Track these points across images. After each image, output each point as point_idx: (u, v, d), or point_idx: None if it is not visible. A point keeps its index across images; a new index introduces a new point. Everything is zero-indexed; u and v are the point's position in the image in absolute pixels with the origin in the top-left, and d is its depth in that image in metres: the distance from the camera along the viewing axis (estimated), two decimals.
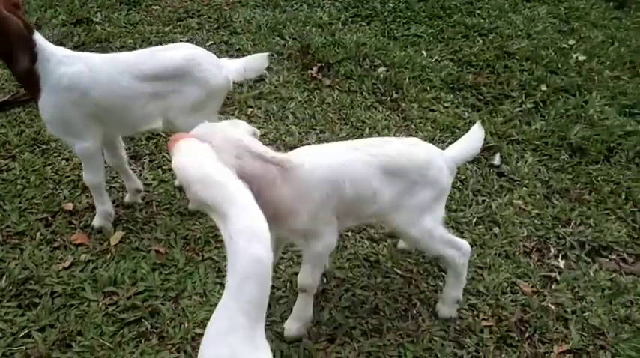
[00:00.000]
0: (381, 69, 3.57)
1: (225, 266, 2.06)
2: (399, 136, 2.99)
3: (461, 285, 1.93)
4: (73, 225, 2.18)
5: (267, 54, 2.25)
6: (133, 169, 2.54)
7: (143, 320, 1.84)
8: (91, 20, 3.83)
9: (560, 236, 2.42)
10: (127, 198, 2.32)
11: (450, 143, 2.93)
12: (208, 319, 0.92)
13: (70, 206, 2.27)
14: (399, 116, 3.19)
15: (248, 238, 0.88)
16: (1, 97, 2.84)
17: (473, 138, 1.93)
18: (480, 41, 4.03)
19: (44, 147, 2.59)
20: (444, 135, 3.04)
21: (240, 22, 4.05)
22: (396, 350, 1.84)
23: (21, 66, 1.80)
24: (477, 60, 3.76)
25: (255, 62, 2.18)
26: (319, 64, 3.54)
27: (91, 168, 2.04)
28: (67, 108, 1.89)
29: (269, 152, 1.51)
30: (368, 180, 1.71)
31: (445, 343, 1.88)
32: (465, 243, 1.89)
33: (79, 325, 1.80)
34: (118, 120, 2.00)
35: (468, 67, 3.70)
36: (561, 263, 2.29)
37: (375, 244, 2.28)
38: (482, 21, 4.29)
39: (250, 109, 3.12)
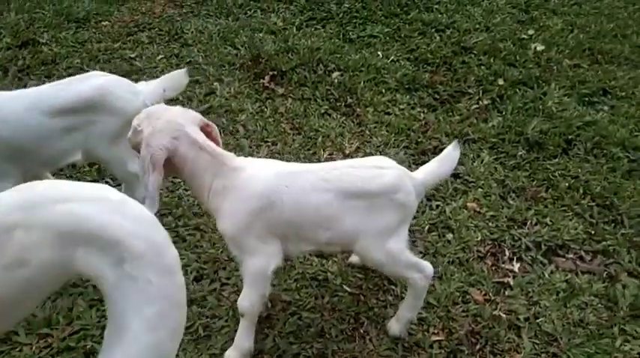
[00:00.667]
0: (336, 73, 3.50)
1: None
2: (353, 143, 2.93)
3: (418, 307, 1.87)
4: None
5: (184, 70, 2.19)
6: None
7: None
8: (37, 41, 3.72)
9: (516, 237, 2.38)
10: None
11: (405, 147, 2.93)
12: None
13: None
14: (353, 122, 3.13)
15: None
16: None
17: (446, 161, 1.84)
18: (437, 37, 3.97)
19: None
20: (399, 139, 2.98)
21: (192, 32, 3.96)
22: None
23: None
24: (434, 57, 3.71)
25: (173, 80, 2.13)
26: (271, 73, 3.46)
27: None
28: None
29: (207, 141, 1.64)
30: (315, 205, 1.65)
31: None
32: (428, 266, 1.81)
33: None
34: (34, 157, 1.91)
35: (425, 66, 3.64)
36: (516, 266, 2.24)
37: (324, 261, 2.21)
38: (439, 16, 4.24)
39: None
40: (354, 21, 4.20)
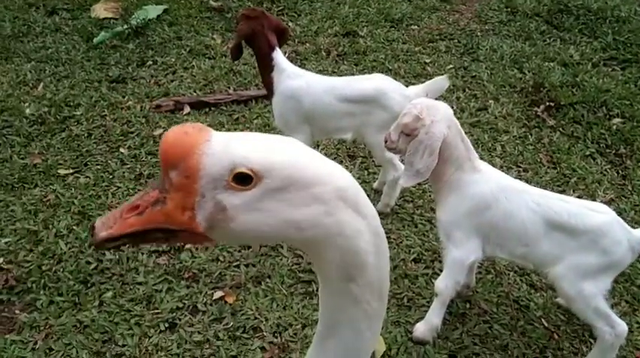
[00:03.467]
0: (617, 119, 3.37)
1: None
2: (608, 193, 2.86)
3: None
4: None
5: (446, 76, 2.50)
6: (345, 166, 3.09)
7: None
8: (357, 33, 4.52)
9: None
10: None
11: None
12: None
13: None
14: (617, 173, 3.02)
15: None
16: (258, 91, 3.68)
17: None
18: None
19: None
20: None
21: (486, 49, 4.24)
22: None
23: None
24: None
25: (435, 85, 2.47)
26: (549, 103, 3.53)
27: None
28: (288, 110, 2.51)
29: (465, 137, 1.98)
30: (522, 221, 1.87)
31: None
32: (621, 324, 1.86)
33: None
34: (320, 125, 2.56)
35: None
36: None
37: (532, 290, 2.34)
38: None
39: None
40: None
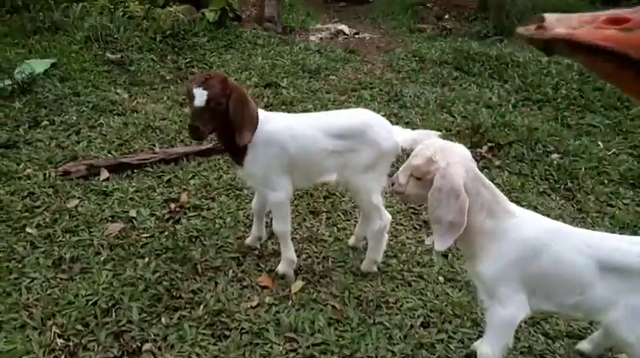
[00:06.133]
0: (554, 155, 3.48)
1: (397, 334, 2.10)
2: None
3: None
4: (259, 268, 2.39)
5: (438, 133, 2.34)
6: (310, 224, 2.73)
7: None
8: (278, 84, 4.28)
9: None
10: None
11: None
12: None
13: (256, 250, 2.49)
14: (573, 207, 3.06)
15: None
16: (206, 145, 3.25)
17: None
18: None
19: (238, 192, 2.90)
20: (624, 233, 2.84)
21: (409, 96, 4.24)
22: None
23: (244, 140, 2.06)
24: None
25: (426, 137, 2.28)
26: (489, 144, 3.56)
27: (281, 217, 2.25)
28: (271, 159, 2.13)
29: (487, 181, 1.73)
30: (575, 267, 1.66)
31: None
32: None
33: None
34: (304, 169, 2.21)
35: None
36: None
37: (549, 341, 2.16)
38: None
39: None
40: (572, 107, 4.17)
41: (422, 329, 2.15)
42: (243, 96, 2.08)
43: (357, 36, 7.20)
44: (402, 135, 2.27)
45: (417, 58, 5.06)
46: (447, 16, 9.13)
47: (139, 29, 4.73)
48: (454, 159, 1.66)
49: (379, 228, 2.31)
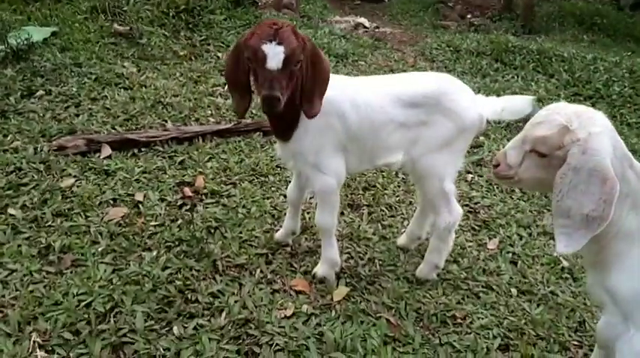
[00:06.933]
0: None
1: None
2: None
3: None
4: (293, 268, 1.94)
5: (532, 97, 1.88)
6: (350, 219, 2.29)
7: None
8: None
9: None
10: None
11: None
12: None
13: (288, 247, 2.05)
14: None
15: None
16: (224, 125, 2.82)
17: None
18: None
19: (263, 179, 2.46)
20: None
21: None
22: None
23: (315, 110, 1.62)
24: None
25: (516, 104, 1.83)
26: None
27: (329, 208, 1.80)
28: (326, 131, 1.69)
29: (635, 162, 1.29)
30: None
31: None
32: None
33: None
34: (363, 147, 1.76)
35: None
36: None
37: None
38: None
39: (470, 175, 2.79)
40: (628, 105, 3.75)
41: (500, 353, 1.70)
42: (318, 50, 1.63)
43: (377, 29, 6.80)
44: (487, 106, 1.81)
45: (451, 48, 4.64)
46: (469, 16, 8.76)
47: (151, 2, 4.30)
48: (596, 128, 1.20)
49: (447, 224, 1.86)
